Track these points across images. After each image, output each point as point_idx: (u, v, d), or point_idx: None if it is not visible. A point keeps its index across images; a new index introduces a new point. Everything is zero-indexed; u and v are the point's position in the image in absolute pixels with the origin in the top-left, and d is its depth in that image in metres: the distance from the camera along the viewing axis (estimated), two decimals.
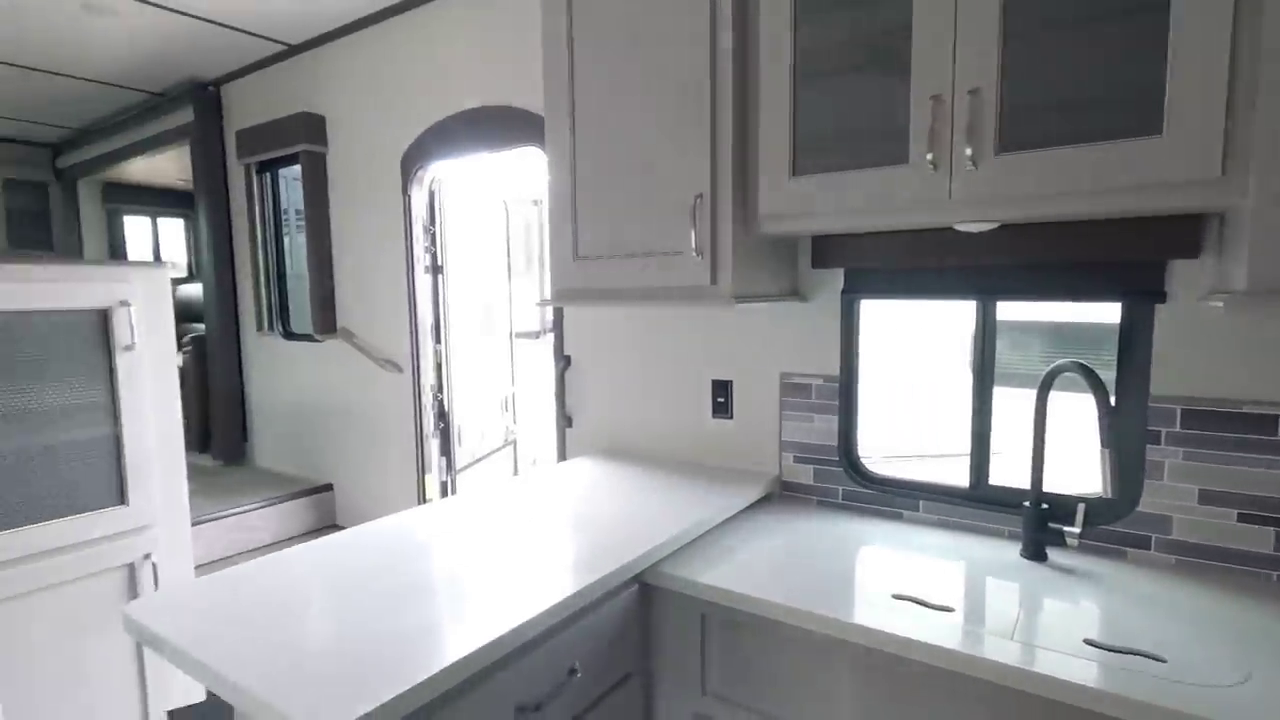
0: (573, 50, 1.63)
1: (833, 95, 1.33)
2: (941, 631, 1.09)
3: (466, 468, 3.04)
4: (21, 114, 4.25)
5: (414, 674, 0.89)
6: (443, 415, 2.91)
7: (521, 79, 2.33)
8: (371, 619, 1.05)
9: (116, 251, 5.53)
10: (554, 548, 1.35)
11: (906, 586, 1.30)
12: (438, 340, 2.87)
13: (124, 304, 1.89)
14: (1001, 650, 1.04)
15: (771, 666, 1.24)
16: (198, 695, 2.07)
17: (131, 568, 1.93)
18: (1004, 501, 1.54)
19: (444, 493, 2.92)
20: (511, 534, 1.44)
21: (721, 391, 1.93)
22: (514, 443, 3.67)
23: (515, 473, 3.69)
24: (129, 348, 1.90)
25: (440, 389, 2.90)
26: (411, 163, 2.69)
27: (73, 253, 5.18)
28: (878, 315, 1.82)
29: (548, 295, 2.31)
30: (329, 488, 3.30)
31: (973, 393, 1.60)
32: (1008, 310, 1.57)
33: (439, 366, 2.88)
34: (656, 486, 1.76)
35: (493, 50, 2.41)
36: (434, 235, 2.83)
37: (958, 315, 1.70)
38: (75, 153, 4.83)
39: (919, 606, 1.22)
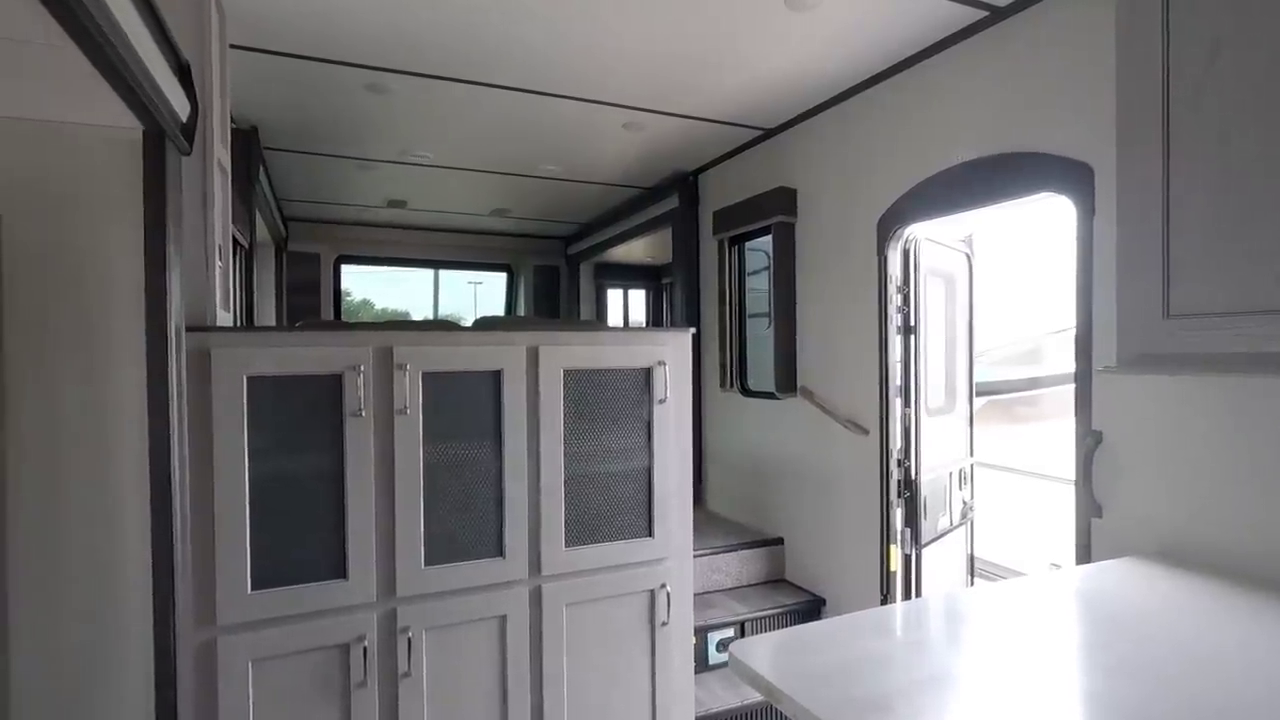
0: (1167, 60, 1.36)
1: None
2: None
3: (930, 543, 2.80)
4: (563, 216, 5.63)
5: None
6: (908, 483, 2.74)
7: (1038, 122, 2.10)
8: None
9: (600, 318, 6.86)
10: (1200, 696, 1.05)
11: None
12: (906, 403, 2.74)
13: (661, 364, 2.21)
14: None
15: None
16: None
17: (652, 594, 2.20)
18: None
19: (908, 567, 2.73)
20: (1094, 655, 1.17)
21: None
22: (971, 521, 3.29)
23: (970, 558, 3.28)
24: (662, 401, 2.21)
25: (906, 455, 2.74)
26: (889, 225, 2.66)
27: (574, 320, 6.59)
28: None
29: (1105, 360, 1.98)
30: (779, 541, 3.39)
31: None
32: None
33: (906, 431, 2.73)
34: None
35: (996, 98, 2.24)
36: (906, 295, 2.73)
37: None
38: (580, 242, 6.18)
39: None
